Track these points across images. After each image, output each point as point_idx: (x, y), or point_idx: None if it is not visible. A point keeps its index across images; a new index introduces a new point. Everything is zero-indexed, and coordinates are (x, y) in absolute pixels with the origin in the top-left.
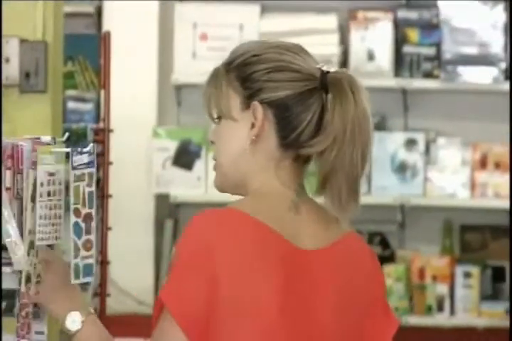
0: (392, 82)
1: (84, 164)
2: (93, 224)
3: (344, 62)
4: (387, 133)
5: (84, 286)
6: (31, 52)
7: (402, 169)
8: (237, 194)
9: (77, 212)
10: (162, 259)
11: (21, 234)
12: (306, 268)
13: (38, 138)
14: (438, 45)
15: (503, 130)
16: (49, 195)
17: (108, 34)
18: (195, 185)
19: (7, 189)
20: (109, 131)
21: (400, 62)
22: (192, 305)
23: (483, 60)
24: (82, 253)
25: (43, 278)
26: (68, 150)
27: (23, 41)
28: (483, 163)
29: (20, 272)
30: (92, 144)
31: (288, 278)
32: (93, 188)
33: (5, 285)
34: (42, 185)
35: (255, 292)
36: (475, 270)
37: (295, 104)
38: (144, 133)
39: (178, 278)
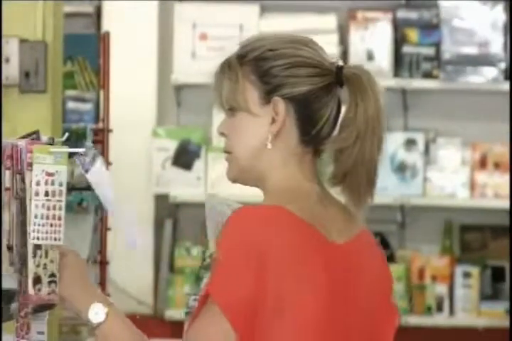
0: (391, 82)
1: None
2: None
3: (344, 62)
4: (387, 133)
5: None
6: (31, 52)
7: (401, 169)
8: (252, 185)
9: None
10: (161, 259)
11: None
12: (342, 262)
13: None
14: (438, 45)
15: (503, 130)
16: (47, 194)
17: (107, 34)
18: (194, 185)
19: (6, 189)
20: (109, 131)
21: (400, 62)
22: (240, 299)
23: (482, 60)
24: None
25: (60, 273)
26: (70, 150)
27: (22, 41)
28: (483, 163)
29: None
30: (91, 145)
31: (329, 274)
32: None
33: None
34: (38, 183)
35: (301, 290)
36: (475, 270)
37: (315, 99)
38: (143, 133)
39: (226, 273)
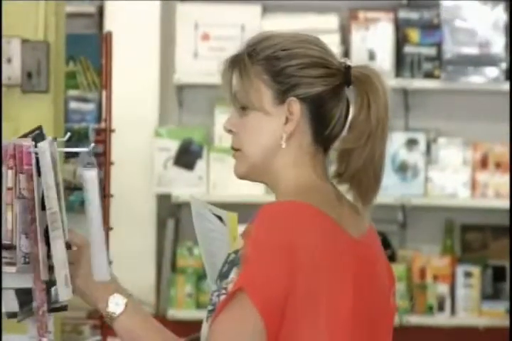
0: (392, 82)
1: (89, 164)
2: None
3: None
4: (388, 132)
5: None
6: (33, 53)
7: (403, 169)
8: (260, 182)
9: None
10: (164, 259)
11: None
12: (364, 256)
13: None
14: (439, 45)
15: (504, 130)
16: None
17: (109, 34)
18: (196, 185)
19: (9, 189)
20: (111, 131)
21: (401, 63)
22: (271, 293)
23: (483, 60)
24: None
25: (77, 264)
26: (74, 150)
27: (24, 41)
28: (483, 163)
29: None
30: (92, 145)
31: (356, 270)
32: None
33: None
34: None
35: (332, 288)
36: (476, 270)
37: (329, 99)
38: (145, 133)
39: (258, 268)
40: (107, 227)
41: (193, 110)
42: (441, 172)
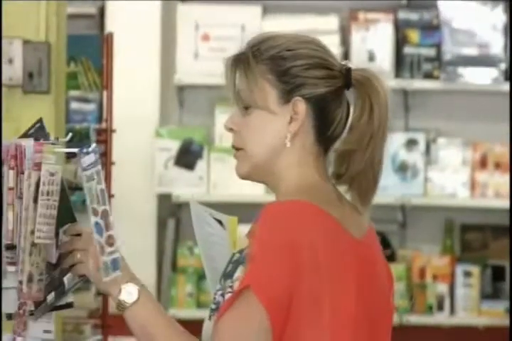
0: (392, 83)
1: (91, 164)
2: (110, 218)
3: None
4: (388, 133)
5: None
6: (34, 53)
7: (402, 169)
8: (262, 182)
9: (95, 212)
10: (164, 258)
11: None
12: (365, 256)
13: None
14: (438, 46)
15: (503, 130)
16: (48, 194)
17: (110, 35)
18: (197, 185)
19: (10, 189)
20: (112, 131)
21: (401, 63)
22: (277, 291)
23: (483, 60)
24: (107, 249)
25: (87, 251)
26: (73, 150)
27: (26, 42)
28: (483, 163)
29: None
30: (94, 144)
31: (358, 270)
32: (103, 185)
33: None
34: (44, 184)
35: (335, 289)
36: (475, 269)
37: (331, 100)
38: (146, 133)
39: (263, 266)
40: None
41: (193, 110)
42: (441, 173)
